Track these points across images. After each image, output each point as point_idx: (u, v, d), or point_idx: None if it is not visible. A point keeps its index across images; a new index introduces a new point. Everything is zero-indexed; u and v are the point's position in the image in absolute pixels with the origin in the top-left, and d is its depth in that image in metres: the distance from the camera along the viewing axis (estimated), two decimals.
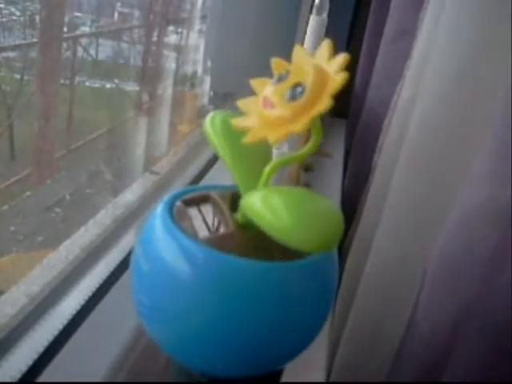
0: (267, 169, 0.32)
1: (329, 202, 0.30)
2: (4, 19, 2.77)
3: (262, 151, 0.35)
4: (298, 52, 0.30)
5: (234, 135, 0.34)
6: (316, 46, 0.81)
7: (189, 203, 0.34)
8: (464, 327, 0.54)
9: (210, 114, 0.35)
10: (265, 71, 0.32)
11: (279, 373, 0.37)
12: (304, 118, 0.28)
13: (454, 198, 0.57)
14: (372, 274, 0.75)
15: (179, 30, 2.50)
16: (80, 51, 2.69)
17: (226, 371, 0.34)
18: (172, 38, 2.61)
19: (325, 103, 0.27)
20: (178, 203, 0.34)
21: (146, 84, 2.26)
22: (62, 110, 2.29)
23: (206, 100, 1.20)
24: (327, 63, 0.29)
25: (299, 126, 0.28)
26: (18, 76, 2.51)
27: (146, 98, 2.03)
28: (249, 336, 0.31)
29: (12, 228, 1.41)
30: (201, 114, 1.27)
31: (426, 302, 0.59)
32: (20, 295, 0.44)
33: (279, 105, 0.29)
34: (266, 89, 0.30)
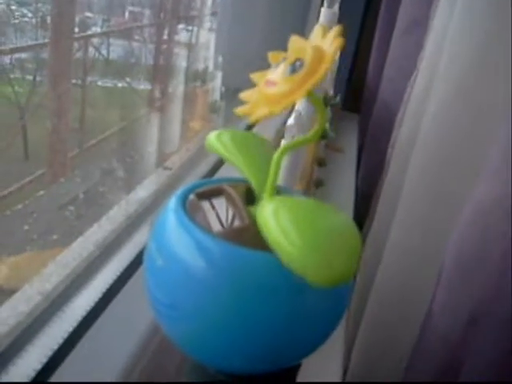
0: (276, 154, 0.31)
1: (344, 220, 0.28)
2: (16, 21, 2.79)
3: (268, 154, 0.35)
4: (294, 39, 0.31)
5: (242, 145, 0.36)
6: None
7: (202, 196, 0.34)
8: (481, 324, 0.53)
9: (212, 134, 0.36)
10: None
11: (296, 369, 0.37)
12: (304, 88, 0.29)
13: (470, 192, 0.56)
14: (387, 270, 0.74)
15: (190, 27, 2.50)
16: (92, 51, 2.70)
17: (243, 368, 0.34)
18: (183, 36, 2.61)
19: (322, 72, 0.28)
20: (192, 197, 0.33)
21: (158, 82, 2.26)
22: (74, 109, 2.30)
23: (217, 95, 1.20)
24: (322, 40, 0.30)
25: (300, 95, 0.28)
26: (30, 77, 2.52)
27: (157, 95, 2.03)
28: (266, 331, 0.30)
29: (26, 227, 1.42)
30: (213, 109, 1.27)
31: (442, 299, 0.58)
32: (33, 293, 0.44)
33: (280, 81, 0.30)
34: (268, 74, 0.31)
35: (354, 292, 0.94)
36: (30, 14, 2.62)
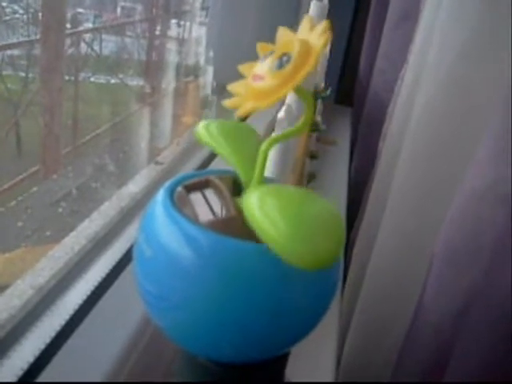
0: (264, 145, 0.32)
1: (328, 206, 0.29)
2: (7, 17, 2.78)
3: (257, 146, 0.36)
4: (281, 31, 0.32)
5: (230, 136, 0.36)
6: None
7: (190, 189, 0.34)
8: (472, 312, 0.54)
9: (201, 124, 0.36)
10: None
11: (285, 358, 0.37)
12: (292, 82, 0.29)
13: (461, 181, 0.56)
14: (380, 260, 0.75)
15: (182, 22, 2.49)
16: (84, 47, 2.69)
17: (233, 357, 0.34)
18: (175, 31, 2.60)
19: (310, 67, 0.29)
20: (179, 189, 0.34)
21: (150, 78, 2.26)
22: (67, 106, 2.30)
23: (209, 90, 1.20)
24: (309, 33, 0.30)
25: (287, 90, 0.29)
26: (22, 74, 2.52)
27: (149, 91, 2.03)
28: (254, 319, 0.30)
29: (20, 223, 1.42)
30: (204, 104, 1.27)
31: (433, 288, 0.59)
32: (26, 287, 0.44)
33: (268, 76, 0.30)
34: (255, 68, 0.31)
35: (346, 282, 0.95)
36: (21, 11, 2.60)
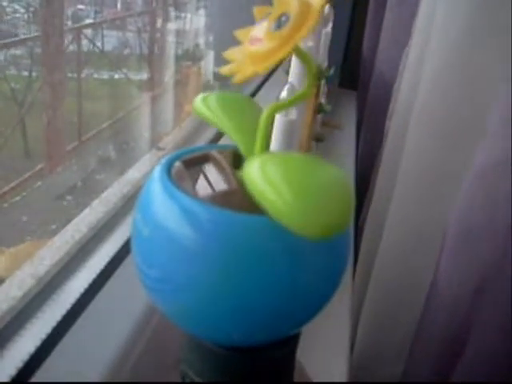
0: (265, 112, 0.30)
1: (336, 173, 0.26)
2: (8, 17, 2.78)
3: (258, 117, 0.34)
4: None
5: (229, 108, 0.34)
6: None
7: (188, 164, 0.32)
8: (488, 291, 0.52)
9: (201, 96, 0.34)
10: None
11: (296, 338, 0.36)
12: (290, 43, 0.27)
13: (470, 157, 0.54)
14: (390, 242, 0.73)
15: (182, 14, 2.47)
16: (86, 44, 2.68)
17: (241, 339, 0.32)
18: (175, 23, 2.59)
19: (309, 26, 0.27)
20: (177, 164, 0.32)
21: (153, 70, 2.24)
22: (72, 103, 2.29)
23: (210, 76, 1.18)
24: None
25: (286, 51, 0.27)
26: (26, 73, 2.51)
27: (152, 84, 2.02)
28: (261, 298, 0.29)
29: (24, 218, 1.42)
30: (206, 90, 1.25)
31: (447, 268, 0.57)
32: (26, 277, 0.43)
33: (265, 37, 0.28)
34: (253, 30, 0.30)
35: (357, 264, 0.93)
36: (22, 10, 2.60)
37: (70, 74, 2.41)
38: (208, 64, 1.19)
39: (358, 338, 0.79)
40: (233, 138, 0.33)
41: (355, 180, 1.12)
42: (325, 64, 0.89)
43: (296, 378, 0.38)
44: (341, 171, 0.27)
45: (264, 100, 0.99)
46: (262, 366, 0.34)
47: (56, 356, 0.38)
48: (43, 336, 0.38)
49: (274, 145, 0.69)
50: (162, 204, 0.29)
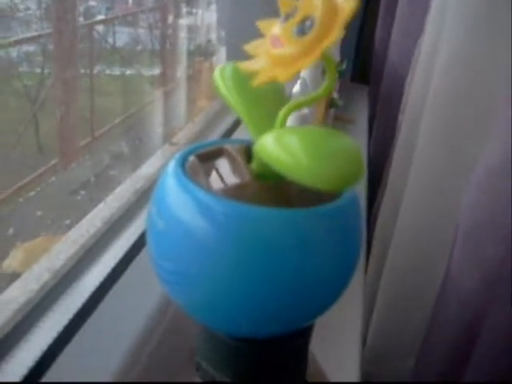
0: (282, 111, 0.30)
1: (348, 138, 0.27)
2: (21, 14, 2.79)
3: (276, 102, 0.34)
4: None
5: (245, 85, 0.32)
6: None
7: (203, 158, 0.33)
8: (498, 287, 0.52)
9: (219, 66, 0.34)
10: None
11: (309, 330, 0.36)
12: (315, 52, 0.26)
13: (481, 151, 0.54)
14: (402, 236, 0.73)
15: (194, 10, 2.47)
16: (98, 40, 2.69)
17: (254, 331, 0.33)
18: (187, 18, 2.59)
19: (336, 34, 0.26)
20: (192, 158, 0.32)
21: (165, 66, 2.25)
22: (84, 99, 2.30)
23: None
24: None
25: (310, 60, 0.26)
26: (39, 70, 2.52)
27: (164, 79, 2.02)
28: (274, 289, 0.29)
29: (39, 213, 1.43)
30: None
31: (458, 262, 0.57)
32: (42, 271, 0.44)
33: (288, 42, 0.28)
34: (274, 28, 0.29)
35: (370, 257, 0.93)
36: (34, 6, 2.61)
37: (82, 71, 2.42)
38: (220, 59, 1.18)
39: (371, 331, 0.79)
40: (241, 116, 0.32)
41: (367, 173, 1.12)
42: (336, 59, 0.89)
43: (309, 370, 0.38)
44: (351, 139, 0.28)
45: None
46: (275, 358, 0.35)
47: (72, 348, 0.38)
48: (59, 328, 0.39)
49: None
50: (177, 197, 0.29)
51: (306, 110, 0.69)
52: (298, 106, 0.30)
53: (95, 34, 2.57)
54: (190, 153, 0.33)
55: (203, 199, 0.29)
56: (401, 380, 0.71)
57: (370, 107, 1.43)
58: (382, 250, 0.83)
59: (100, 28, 2.76)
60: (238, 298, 0.30)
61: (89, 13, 2.75)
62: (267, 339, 0.34)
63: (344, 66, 0.83)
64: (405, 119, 0.85)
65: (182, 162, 0.31)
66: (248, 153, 0.34)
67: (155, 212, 0.31)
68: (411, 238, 0.70)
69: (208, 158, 0.33)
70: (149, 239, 0.32)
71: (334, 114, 1.11)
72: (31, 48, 2.50)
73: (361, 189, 1.04)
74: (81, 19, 2.55)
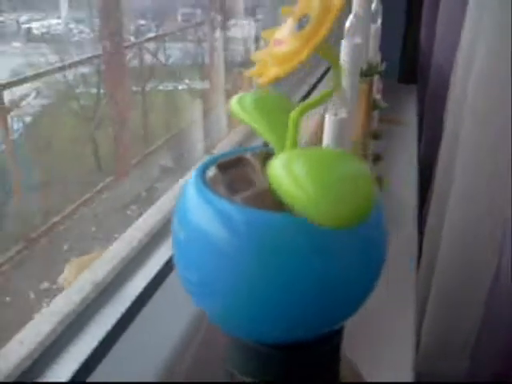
0: (293, 113, 0.30)
1: (361, 166, 0.27)
2: (76, 38, 2.91)
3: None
4: None
5: (264, 108, 0.34)
6: (367, 6, 0.78)
7: (223, 167, 0.33)
8: None
9: (235, 97, 0.35)
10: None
11: (339, 333, 0.36)
12: (310, 44, 0.27)
13: None
14: (451, 237, 0.72)
15: (239, 22, 2.50)
16: (150, 57, 2.76)
17: (282, 336, 0.33)
18: (234, 31, 2.61)
19: (329, 23, 0.27)
20: (213, 168, 0.33)
21: (212, 79, 2.28)
22: (138, 116, 2.37)
23: None
24: None
25: (308, 51, 0.27)
26: (94, 90, 2.61)
27: (212, 92, 2.05)
28: (297, 295, 0.29)
29: (93, 228, 1.48)
30: None
31: (507, 263, 0.55)
32: (85, 283, 0.45)
33: (287, 39, 0.29)
34: (277, 33, 0.30)
35: (422, 258, 0.91)
36: (87, 30, 2.71)
37: (135, 88, 2.48)
38: None
39: (424, 330, 0.77)
40: (267, 137, 0.33)
41: (418, 175, 1.10)
42: (377, 60, 0.88)
43: (344, 372, 0.37)
44: (363, 164, 0.27)
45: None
46: (306, 362, 0.35)
47: (111, 358, 0.39)
48: (98, 339, 0.40)
49: (325, 144, 0.69)
50: (197, 207, 0.30)
51: (344, 114, 0.69)
52: (309, 108, 0.31)
53: (146, 52, 2.64)
54: (210, 163, 0.33)
55: (222, 208, 0.29)
56: (455, 381, 0.69)
57: (418, 107, 1.41)
58: (433, 248, 0.81)
59: (151, 46, 2.83)
60: (261, 306, 0.30)
61: (139, 31, 2.82)
62: (297, 344, 0.34)
63: (384, 67, 0.82)
64: (448, 119, 0.83)
65: (203, 173, 0.32)
66: (267, 159, 0.34)
67: (177, 223, 0.31)
68: (459, 239, 0.69)
69: (229, 167, 0.33)
70: (174, 250, 0.32)
71: (381, 116, 1.10)
72: (86, 69, 2.59)
73: (412, 190, 1.02)
74: (131, 38, 2.63)
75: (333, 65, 0.30)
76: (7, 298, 1.24)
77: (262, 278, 0.29)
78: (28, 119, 3.06)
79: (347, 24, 0.71)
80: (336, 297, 0.30)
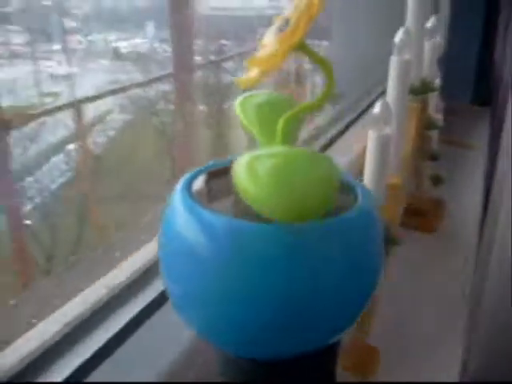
0: (280, 123, 0.30)
1: (326, 165, 0.27)
2: (159, 57, 3.03)
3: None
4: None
5: (265, 113, 0.33)
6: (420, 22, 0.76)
7: (214, 175, 0.33)
8: None
9: (239, 98, 0.34)
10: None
11: (333, 350, 0.34)
12: (289, 44, 0.28)
13: None
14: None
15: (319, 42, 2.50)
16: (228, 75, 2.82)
17: (272, 352, 0.32)
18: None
19: (306, 22, 0.27)
20: (201, 177, 0.33)
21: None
22: (214, 133, 2.43)
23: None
24: None
25: (287, 49, 0.28)
26: (172, 106, 2.70)
27: None
28: (282, 305, 0.28)
29: (142, 237, 1.52)
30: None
31: None
32: (100, 288, 0.46)
33: (269, 43, 0.29)
34: (264, 39, 0.30)
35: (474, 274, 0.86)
36: (169, 49, 2.81)
37: (211, 106, 2.55)
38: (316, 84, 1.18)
39: (473, 353, 0.73)
40: (260, 142, 0.32)
41: (485, 197, 1.06)
42: (434, 77, 0.85)
43: None
44: (329, 160, 0.27)
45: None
46: (300, 376, 0.33)
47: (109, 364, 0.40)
48: (103, 342, 0.41)
49: (367, 161, 0.66)
50: (178, 215, 0.30)
51: (387, 130, 0.66)
52: (294, 116, 0.30)
53: (224, 70, 2.70)
54: (198, 173, 0.33)
55: (201, 215, 0.28)
56: None
57: (490, 130, 1.35)
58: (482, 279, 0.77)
59: (229, 65, 2.90)
60: (246, 317, 0.29)
61: (221, 51, 2.90)
62: (290, 359, 0.32)
63: (438, 84, 0.79)
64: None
65: (189, 182, 0.32)
66: None
67: (162, 233, 0.31)
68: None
69: (219, 174, 0.33)
70: (160, 262, 0.32)
71: (445, 138, 1.06)
72: (166, 87, 2.68)
73: (475, 215, 0.97)
74: (212, 57, 2.70)
75: (319, 65, 0.30)
76: None
77: (238, 287, 0.28)
78: (111, 133, 3.20)
79: (396, 39, 0.69)
80: (327, 308, 0.29)
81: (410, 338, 0.62)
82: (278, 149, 0.29)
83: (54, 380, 0.37)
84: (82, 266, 0.54)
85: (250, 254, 0.28)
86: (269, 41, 0.29)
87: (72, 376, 0.37)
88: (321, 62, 0.30)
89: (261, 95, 0.35)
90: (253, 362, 0.33)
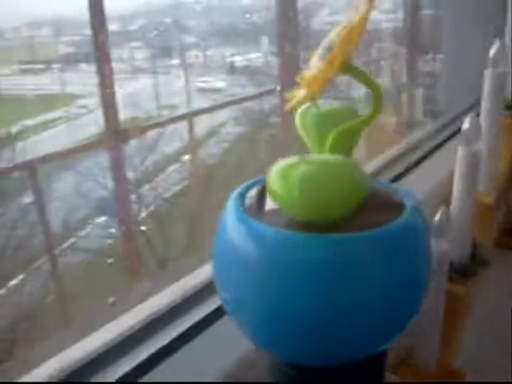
0: (333, 132, 0.31)
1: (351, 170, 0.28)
2: (273, 71, 3.10)
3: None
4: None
5: (321, 125, 0.34)
6: None
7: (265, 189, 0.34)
8: None
9: (300, 110, 0.35)
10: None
11: (382, 358, 0.34)
12: (334, 65, 0.29)
13: None
14: None
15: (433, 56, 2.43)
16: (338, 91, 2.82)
17: (321, 359, 0.32)
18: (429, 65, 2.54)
19: (351, 43, 0.29)
20: (255, 189, 0.34)
21: (403, 113, 2.24)
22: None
23: (419, 113, 1.15)
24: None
25: (332, 70, 0.29)
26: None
27: (398, 126, 2.01)
28: (330, 313, 0.29)
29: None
30: (410, 125, 1.22)
31: None
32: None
33: (315, 64, 0.30)
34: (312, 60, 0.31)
35: None
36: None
37: None
38: (414, 101, 1.16)
39: None
40: (310, 148, 0.34)
41: None
42: None
43: None
44: (355, 166, 0.29)
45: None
46: None
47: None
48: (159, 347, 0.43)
49: (456, 179, 0.65)
50: (229, 225, 0.31)
51: (477, 147, 0.64)
52: (343, 133, 0.31)
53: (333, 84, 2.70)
54: (252, 185, 0.34)
55: (252, 226, 0.30)
56: None
57: None
58: None
59: (341, 79, 2.89)
60: (288, 322, 0.30)
61: None
62: (339, 367, 0.33)
63: None
64: None
65: (242, 194, 0.33)
66: None
67: (215, 241, 0.33)
68: None
69: None
70: (213, 270, 0.34)
71: None
72: (276, 100, 2.73)
73: None
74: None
75: (367, 86, 0.30)
76: None
77: (285, 294, 0.29)
78: (225, 145, 3.31)
79: (491, 52, 0.66)
80: (374, 315, 0.30)
81: (499, 366, 0.59)
82: (316, 157, 0.31)
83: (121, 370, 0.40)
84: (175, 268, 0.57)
85: (297, 264, 0.29)
86: (314, 62, 0.30)
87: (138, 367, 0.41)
88: (369, 83, 0.30)
89: (323, 106, 0.35)
90: (300, 368, 0.34)
